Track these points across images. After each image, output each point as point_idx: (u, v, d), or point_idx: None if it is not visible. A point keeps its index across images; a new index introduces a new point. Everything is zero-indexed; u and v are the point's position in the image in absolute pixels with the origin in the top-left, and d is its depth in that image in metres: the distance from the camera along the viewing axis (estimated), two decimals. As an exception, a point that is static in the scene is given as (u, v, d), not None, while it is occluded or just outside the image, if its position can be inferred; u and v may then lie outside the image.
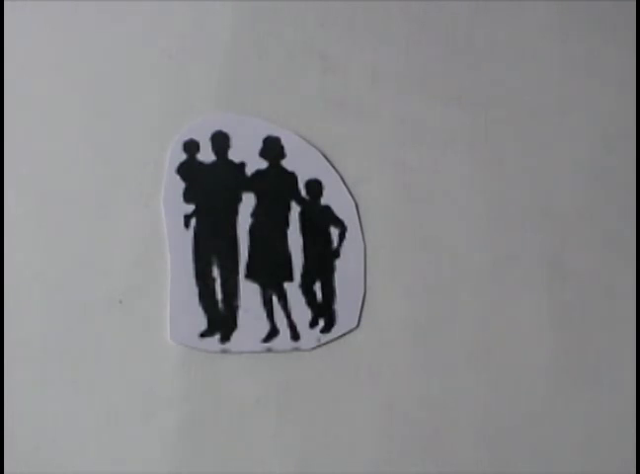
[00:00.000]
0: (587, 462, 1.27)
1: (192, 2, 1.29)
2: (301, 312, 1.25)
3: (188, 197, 1.25)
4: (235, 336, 1.23)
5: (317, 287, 1.26)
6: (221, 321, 1.23)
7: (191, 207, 1.25)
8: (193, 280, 1.23)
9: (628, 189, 1.35)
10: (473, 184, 1.31)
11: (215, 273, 1.24)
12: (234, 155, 1.27)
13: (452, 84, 1.33)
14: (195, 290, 1.23)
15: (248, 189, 1.27)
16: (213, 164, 1.27)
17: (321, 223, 1.27)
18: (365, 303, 1.26)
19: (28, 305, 1.19)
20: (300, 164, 1.28)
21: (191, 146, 1.26)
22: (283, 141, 1.28)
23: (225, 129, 1.27)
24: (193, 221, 1.24)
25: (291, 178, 1.28)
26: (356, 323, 1.26)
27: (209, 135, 1.27)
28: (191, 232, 1.24)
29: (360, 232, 1.28)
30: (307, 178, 1.28)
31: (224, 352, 1.22)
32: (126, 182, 1.23)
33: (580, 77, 1.37)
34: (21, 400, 1.17)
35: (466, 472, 1.24)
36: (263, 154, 1.28)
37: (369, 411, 1.24)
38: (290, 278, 1.25)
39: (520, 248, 1.30)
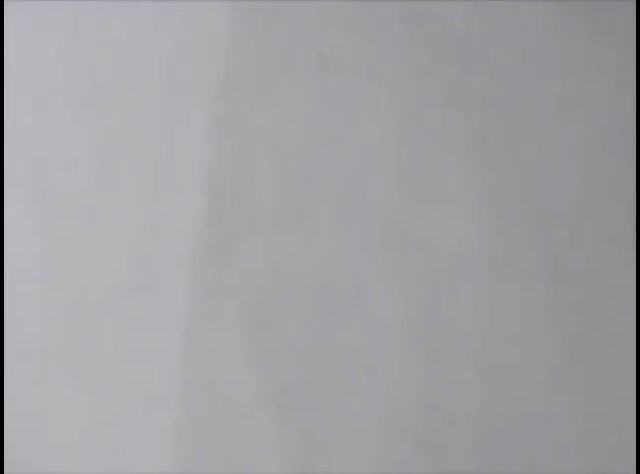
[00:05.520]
0: (587, 462, 1.26)
1: (189, 2, 1.29)
2: (301, 312, 1.25)
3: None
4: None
5: (317, 287, 1.26)
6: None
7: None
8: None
9: (628, 189, 1.35)
10: (472, 184, 1.31)
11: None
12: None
13: (451, 83, 1.33)
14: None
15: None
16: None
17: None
18: (365, 303, 1.26)
19: (28, 305, 1.19)
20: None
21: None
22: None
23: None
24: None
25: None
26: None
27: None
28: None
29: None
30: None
31: (224, 351, 1.22)
32: (126, 182, 1.23)
33: (579, 77, 1.37)
34: (21, 400, 1.17)
35: (466, 472, 1.24)
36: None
37: (369, 411, 1.24)
38: (290, 278, 1.26)
39: (520, 247, 1.30)
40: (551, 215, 1.32)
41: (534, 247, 1.31)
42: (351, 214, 1.28)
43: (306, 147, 1.30)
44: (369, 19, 1.33)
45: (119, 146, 1.24)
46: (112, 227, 1.22)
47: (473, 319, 1.28)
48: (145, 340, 1.20)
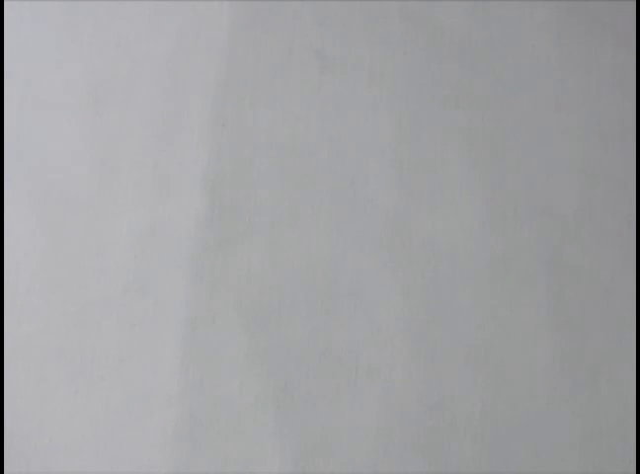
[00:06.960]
0: (587, 462, 1.26)
1: (189, 2, 1.29)
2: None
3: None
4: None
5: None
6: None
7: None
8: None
9: (628, 188, 1.35)
10: (472, 183, 1.31)
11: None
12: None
13: (450, 83, 1.33)
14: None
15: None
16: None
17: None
18: (364, 303, 1.26)
19: (28, 305, 1.19)
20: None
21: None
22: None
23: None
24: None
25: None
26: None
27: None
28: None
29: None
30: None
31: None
32: (126, 182, 1.23)
33: (579, 77, 1.37)
34: (21, 400, 1.17)
35: (466, 472, 1.24)
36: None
37: (369, 411, 1.24)
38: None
39: (520, 247, 1.30)
40: (551, 215, 1.32)
41: (534, 246, 1.31)
42: (351, 214, 1.29)
43: (306, 147, 1.30)
44: (369, 19, 1.33)
45: (119, 146, 1.24)
46: (112, 227, 1.22)
47: (473, 319, 1.28)
48: (145, 340, 1.20)
